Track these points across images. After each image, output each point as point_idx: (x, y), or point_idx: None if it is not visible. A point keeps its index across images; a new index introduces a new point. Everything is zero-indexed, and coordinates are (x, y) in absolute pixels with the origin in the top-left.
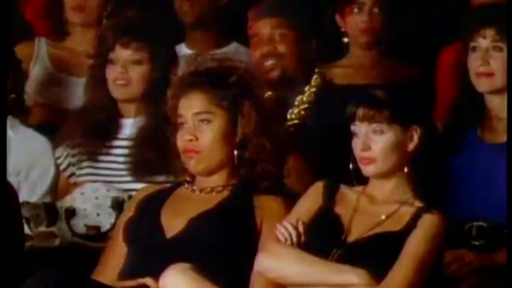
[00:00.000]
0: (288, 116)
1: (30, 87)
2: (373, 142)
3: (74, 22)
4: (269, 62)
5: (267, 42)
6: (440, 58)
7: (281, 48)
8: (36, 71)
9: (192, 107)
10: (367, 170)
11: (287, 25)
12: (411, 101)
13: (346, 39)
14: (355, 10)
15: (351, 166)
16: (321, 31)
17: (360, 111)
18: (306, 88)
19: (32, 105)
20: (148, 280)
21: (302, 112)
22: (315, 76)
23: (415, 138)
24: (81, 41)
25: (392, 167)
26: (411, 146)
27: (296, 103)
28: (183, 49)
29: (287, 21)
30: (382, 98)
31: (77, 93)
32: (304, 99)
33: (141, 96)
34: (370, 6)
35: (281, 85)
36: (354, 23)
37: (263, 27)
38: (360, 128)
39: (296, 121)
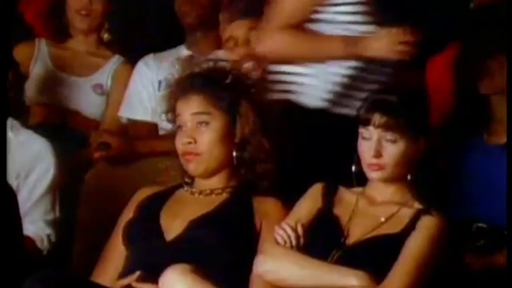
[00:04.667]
0: None
1: (30, 87)
2: (385, 149)
3: (77, 25)
4: (248, 64)
5: (244, 44)
6: (429, 64)
7: None
8: (36, 71)
9: (190, 108)
10: (374, 175)
11: None
12: (422, 109)
13: None
14: None
15: (353, 168)
16: None
17: (377, 118)
18: None
19: (33, 106)
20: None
21: None
22: None
23: (421, 147)
24: (82, 42)
25: (398, 174)
26: (417, 155)
27: None
28: (184, 51)
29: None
30: (398, 106)
31: (78, 93)
32: None
33: None
34: None
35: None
36: None
37: (238, 29)
38: (371, 134)
39: None
